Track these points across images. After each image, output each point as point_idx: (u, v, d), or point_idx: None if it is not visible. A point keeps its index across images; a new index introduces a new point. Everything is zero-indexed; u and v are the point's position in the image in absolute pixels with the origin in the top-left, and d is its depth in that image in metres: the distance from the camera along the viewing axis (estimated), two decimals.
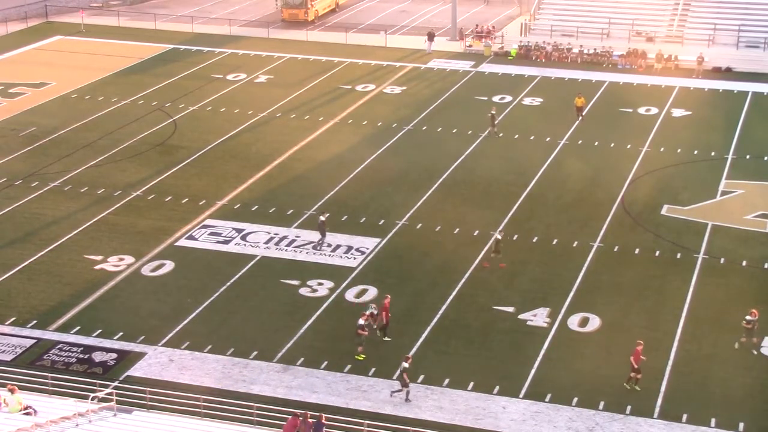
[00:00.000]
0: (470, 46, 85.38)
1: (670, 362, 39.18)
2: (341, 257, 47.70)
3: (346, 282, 45.41)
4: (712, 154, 60.83)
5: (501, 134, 63.50)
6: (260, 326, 41.85)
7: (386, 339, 40.67)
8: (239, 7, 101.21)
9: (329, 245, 48.60)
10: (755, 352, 39.72)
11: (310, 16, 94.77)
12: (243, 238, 49.69)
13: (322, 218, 49.18)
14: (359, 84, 75.22)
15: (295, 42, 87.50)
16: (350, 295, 44.26)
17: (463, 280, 45.52)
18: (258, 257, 47.78)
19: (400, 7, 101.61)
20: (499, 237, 47.95)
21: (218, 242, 49.25)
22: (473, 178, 57.34)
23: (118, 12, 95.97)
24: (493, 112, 64.99)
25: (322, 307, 43.35)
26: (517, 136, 63.81)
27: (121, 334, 41.02)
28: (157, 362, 39.11)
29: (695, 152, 61.08)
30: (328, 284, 45.21)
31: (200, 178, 57.17)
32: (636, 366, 37.14)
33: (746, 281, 45.14)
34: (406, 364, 36.62)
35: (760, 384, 37.92)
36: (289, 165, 59.50)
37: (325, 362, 39.11)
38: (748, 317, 39.67)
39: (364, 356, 39.40)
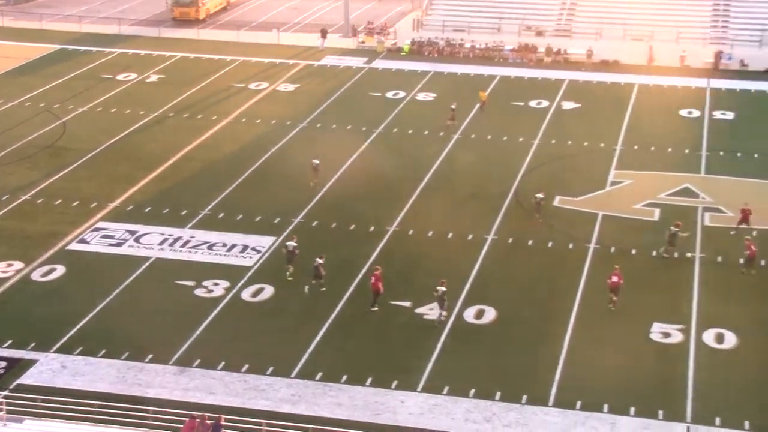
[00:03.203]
0: (363, 42, 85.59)
1: (564, 351, 39.80)
2: (237, 256, 47.36)
3: (242, 281, 45.10)
4: (602, 145, 62.01)
5: (454, 133, 63.81)
6: (155, 328, 41.28)
7: (374, 309, 42.52)
8: (128, 6, 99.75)
9: (224, 244, 48.26)
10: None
11: (201, 15, 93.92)
12: (136, 240, 48.97)
13: None
14: (252, 82, 74.79)
15: (186, 41, 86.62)
16: (247, 295, 43.98)
17: (360, 276, 45.57)
18: (152, 259, 47.14)
19: (291, 5, 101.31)
20: (541, 196, 51.14)
21: (111, 245, 48.45)
22: (369, 173, 57.43)
23: (2, 12, 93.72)
24: (453, 107, 65.35)
25: (218, 308, 42.98)
26: (411, 131, 64.14)
27: (11, 341, 40.01)
28: (49, 369, 38.26)
29: (585, 144, 62.19)
30: (224, 284, 44.85)
31: (91, 180, 56.17)
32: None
33: (636, 269, 45.99)
34: (443, 288, 41.26)
35: (651, 370, 38.76)
36: (183, 165, 58.85)
37: (222, 363, 38.77)
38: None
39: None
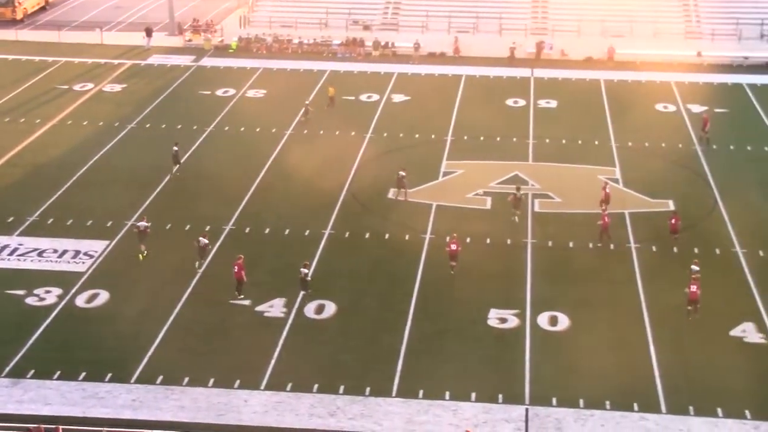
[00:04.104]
0: (190, 40, 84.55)
1: (405, 341, 40.29)
2: (69, 262, 46.10)
3: (76, 288, 43.94)
4: (433, 136, 62.97)
5: (306, 130, 63.79)
6: None
7: (241, 297, 43.22)
8: None
9: (55, 250, 46.95)
10: None
11: (18, 15, 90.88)
12: None
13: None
14: (77, 83, 72.91)
15: (4, 42, 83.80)
16: (81, 301, 42.88)
17: (197, 277, 45.04)
18: None
19: (114, 3, 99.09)
20: (403, 173, 53.05)
21: None
22: (203, 172, 56.81)
23: None
24: (307, 102, 65.52)
25: (52, 316, 41.76)
26: (242, 129, 63.74)
27: None
28: None
29: (416, 136, 63.03)
30: (57, 291, 43.59)
31: None
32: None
33: (470, 258, 46.82)
34: (306, 270, 43.01)
35: (490, 355, 39.63)
36: (6, 171, 56.95)
37: (58, 372, 37.70)
38: None
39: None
